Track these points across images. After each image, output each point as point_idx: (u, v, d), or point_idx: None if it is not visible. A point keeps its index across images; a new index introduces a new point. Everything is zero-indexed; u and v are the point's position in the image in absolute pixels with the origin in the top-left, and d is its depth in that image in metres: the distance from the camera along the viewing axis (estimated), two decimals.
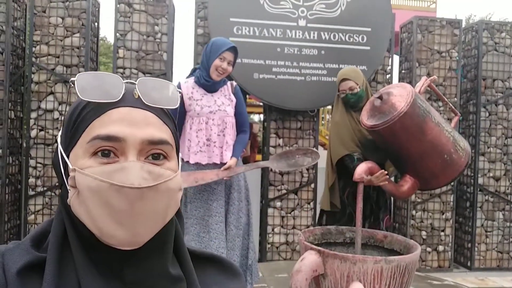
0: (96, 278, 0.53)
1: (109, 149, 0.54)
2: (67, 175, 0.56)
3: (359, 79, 2.37)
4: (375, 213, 2.47)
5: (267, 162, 2.32)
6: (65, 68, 3.37)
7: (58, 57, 3.37)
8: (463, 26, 3.98)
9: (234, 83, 2.53)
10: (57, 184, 3.31)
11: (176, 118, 0.64)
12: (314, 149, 2.26)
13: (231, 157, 2.38)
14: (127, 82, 0.58)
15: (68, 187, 0.55)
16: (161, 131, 0.57)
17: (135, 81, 0.58)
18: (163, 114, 0.59)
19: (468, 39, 4.10)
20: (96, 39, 3.63)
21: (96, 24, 3.61)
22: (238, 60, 3.46)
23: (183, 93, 2.33)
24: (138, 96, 0.57)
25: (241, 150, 2.46)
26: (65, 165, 0.57)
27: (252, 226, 2.56)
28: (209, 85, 2.37)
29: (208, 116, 2.34)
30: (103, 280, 0.54)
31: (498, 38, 3.94)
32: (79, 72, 3.37)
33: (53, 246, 0.54)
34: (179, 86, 2.38)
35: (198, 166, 2.36)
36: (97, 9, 3.61)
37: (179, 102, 0.60)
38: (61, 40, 3.37)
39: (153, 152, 0.56)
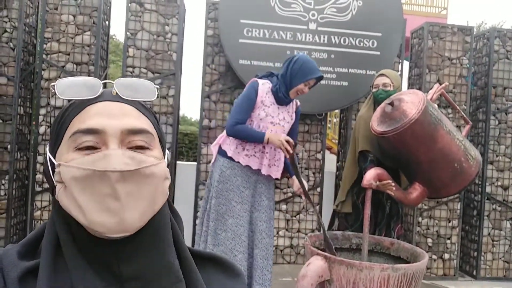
0: (90, 278, 0.53)
1: (91, 145, 0.55)
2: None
3: (395, 80, 2.42)
4: (387, 221, 2.46)
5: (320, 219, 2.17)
6: (75, 66, 3.39)
7: (69, 54, 3.39)
8: (475, 33, 3.96)
9: (298, 102, 2.52)
10: None
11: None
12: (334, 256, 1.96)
13: (291, 175, 2.46)
14: (105, 82, 0.61)
15: (54, 183, 0.57)
16: (140, 121, 0.59)
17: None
18: (141, 106, 0.62)
19: (479, 47, 4.07)
20: (106, 37, 3.64)
21: (107, 22, 3.63)
22: (247, 62, 3.48)
23: (258, 94, 2.31)
24: (116, 92, 0.59)
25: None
26: (53, 167, 0.58)
27: None
28: (285, 101, 2.36)
29: (268, 126, 2.33)
30: (98, 279, 0.53)
31: (510, 46, 3.90)
32: (89, 70, 3.38)
33: (46, 251, 0.54)
34: (257, 85, 2.33)
35: (234, 164, 2.34)
36: (108, 7, 3.63)
37: (155, 95, 0.62)
38: (72, 38, 3.39)
39: (135, 144, 0.57)
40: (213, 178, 2.41)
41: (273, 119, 2.35)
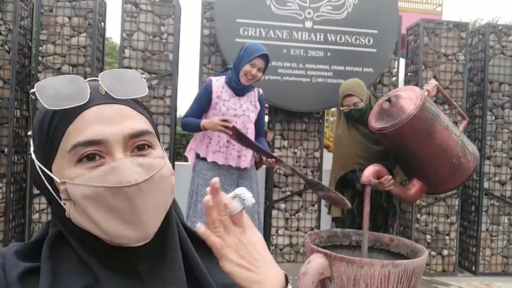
0: (112, 276, 0.53)
1: (94, 153, 0.52)
2: (54, 188, 0.54)
3: (363, 94, 2.33)
4: (384, 219, 2.46)
5: (310, 179, 2.15)
6: (71, 68, 3.37)
7: (65, 56, 3.38)
8: (470, 29, 3.97)
9: (261, 91, 2.53)
10: None
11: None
12: (346, 200, 2.09)
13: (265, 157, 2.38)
14: (89, 80, 0.56)
15: (61, 202, 0.54)
16: (139, 121, 0.57)
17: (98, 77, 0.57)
18: (135, 103, 0.59)
19: (475, 42, 4.08)
20: (102, 39, 3.63)
21: (102, 24, 3.62)
22: None
23: (212, 91, 2.36)
24: (105, 91, 0.56)
25: (266, 147, 2.50)
26: (49, 179, 0.55)
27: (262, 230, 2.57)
28: (239, 89, 2.38)
29: (232, 119, 2.35)
30: (120, 277, 0.54)
31: (505, 41, 3.92)
32: (85, 71, 3.37)
33: (46, 255, 0.53)
34: (210, 83, 2.39)
35: (214, 165, 2.38)
36: (103, 9, 3.62)
37: (146, 88, 0.59)
38: (68, 40, 3.38)
39: (138, 144, 0.55)
40: (195, 183, 2.43)
41: (236, 111, 2.38)
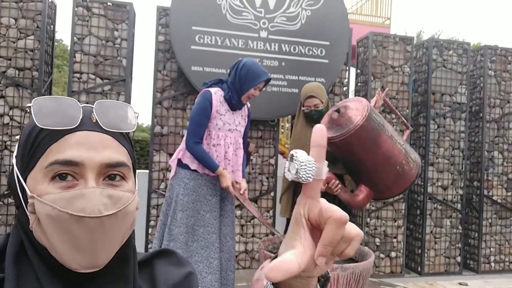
0: None
1: (68, 173, 0.55)
2: (25, 197, 0.56)
3: (323, 96, 2.48)
4: None
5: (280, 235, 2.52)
6: (17, 71, 3.22)
7: (10, 59, 3.22)
8: (415, 42, 4.21)
9: (249, 104, 2.56)
10: (5, 192, 3.15)
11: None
12: None
13: (243, 177, 2.48)
14: (84, 106, 0.59)
15: (27, 213, 0.55)
16: (118, 153, 0.59)
17: (92, 104, 0.60)
18: (120, 136, 0.61)
19: (419, 55, 4.34)
20: (51, 42, 3.51)
21: (51, 26, 3.49)
22: (200, 69, 3.48)
23: (212, 104, 2.32)
24: (96, 120, 0.58)
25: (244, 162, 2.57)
26: (23, 188, 0.57)
27: None
28: (238, 106, 2.40)
29: (226, 134, 2.37)
30: None
31: (446, 55, 4.20)
32: (32, 75, 3.24)
33: (10, 265, 0.54)
34: (210, 96, 2.33)
35: (197, 174, 2.37)
36: (53, 11, 3.50)
37: (136, 124, 0.62)
38: (14, 42, 3.23)
39: (111, 173, 0.58)
40: (174, 191, 2.38)
41: (230, 126, 2.40)
